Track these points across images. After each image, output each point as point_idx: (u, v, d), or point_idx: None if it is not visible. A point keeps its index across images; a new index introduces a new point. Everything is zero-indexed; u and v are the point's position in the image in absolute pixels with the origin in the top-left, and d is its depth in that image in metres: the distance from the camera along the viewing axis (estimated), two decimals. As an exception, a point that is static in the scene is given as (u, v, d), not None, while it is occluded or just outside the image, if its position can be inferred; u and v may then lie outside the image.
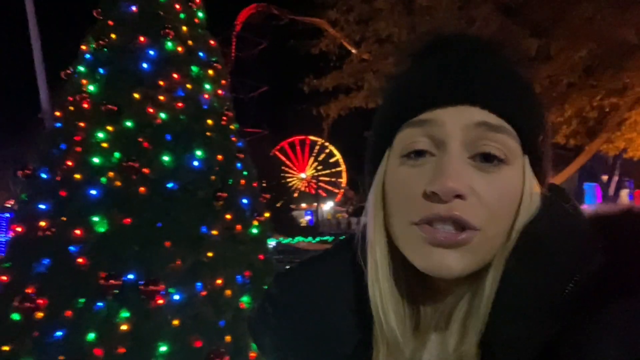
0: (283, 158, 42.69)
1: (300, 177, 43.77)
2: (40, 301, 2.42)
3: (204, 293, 2.60)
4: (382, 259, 0.58)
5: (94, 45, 3.08)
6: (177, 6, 3.25)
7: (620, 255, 0.50)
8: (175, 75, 3.03)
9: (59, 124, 2.99)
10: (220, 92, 3.34)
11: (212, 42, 3.47)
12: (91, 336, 2.36)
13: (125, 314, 2.42)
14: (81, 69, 3.08)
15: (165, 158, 2.79)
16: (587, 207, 0.59)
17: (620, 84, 7.33)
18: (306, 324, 0.62)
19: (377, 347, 0.60)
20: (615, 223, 0.55)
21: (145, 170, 2.71)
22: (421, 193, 0.53)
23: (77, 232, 2.56)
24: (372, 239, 0.59)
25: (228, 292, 2.71)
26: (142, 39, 3.02)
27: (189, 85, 3.08)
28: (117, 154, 2.76)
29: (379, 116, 0.62)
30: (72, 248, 2.54)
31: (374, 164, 0.61)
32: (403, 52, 0.63)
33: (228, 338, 2.58)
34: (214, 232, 2.77)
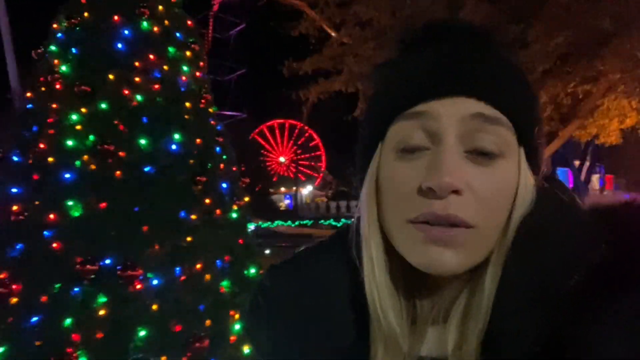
0: (262, 142, 42.41)
1: (280, 161, 43.58)
2: (14, 286, 2.38)
3: (183, 278, 2.59)
4: (377, 255, 0.57)
5: (65, 24, 2.97)
6: (153, -16, 3.15)
7: (624, 248, 0.49)
8: (151, 56, 2.95)
9: (30, 105, 2.89)
10: (198, 74, 3.27)
11: (189, 22, 3.38)
12: (68, 321, 2.32)
13: (102, 299, 2.39)
14: (53, 48, 2.97)
15: (142, 141, 2.74)
16: (586, 199, 0.58)
17: (594, 72, 7.49)
18: (301, 318, 0.60)
19: (374, 343, 0.58)
20: (617, 214, 0.54)
21: (121, 154, 2.66)
22: (416, 189, 0.52)
23: (51, 216, 2.50)
24: (367, 235, 0.58)
25: (207, 276, 2.70)
26: (116, 17, 2.92)
27: (165, 67, 3.00)
28: (91, 137, 2.69)
29: (370, 108, 0.60)
30: (46, 232, 2.48)
31: (366, 157, 0.59)
32: (392, 39, 0.61)
33: (208, 322, 2.58)
34: (193, 217, 2.75)
